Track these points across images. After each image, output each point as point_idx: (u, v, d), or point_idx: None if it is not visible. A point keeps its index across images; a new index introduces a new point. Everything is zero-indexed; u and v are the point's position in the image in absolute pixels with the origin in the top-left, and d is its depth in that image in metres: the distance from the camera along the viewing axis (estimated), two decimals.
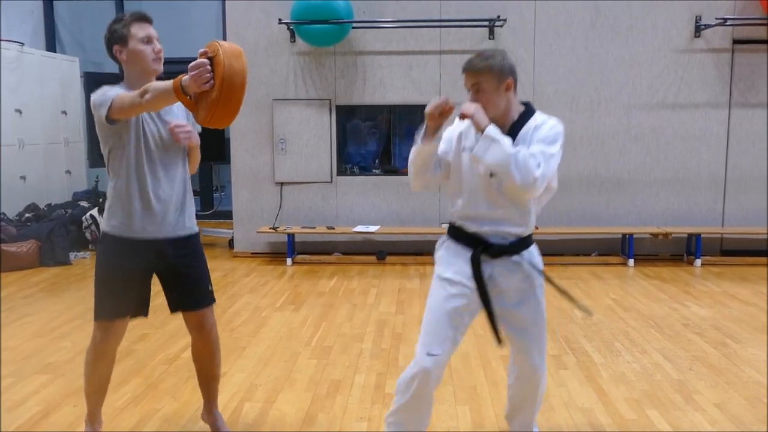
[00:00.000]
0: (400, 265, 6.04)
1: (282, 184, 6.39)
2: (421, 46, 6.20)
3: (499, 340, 2.34)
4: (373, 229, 6.13)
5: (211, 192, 9.08)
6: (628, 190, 6.26)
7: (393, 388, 3.17)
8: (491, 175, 2.24)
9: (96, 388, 2.59)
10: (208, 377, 2.68)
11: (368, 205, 6.37)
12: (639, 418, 2.89)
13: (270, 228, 6.20)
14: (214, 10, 8.65)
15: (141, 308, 2.54)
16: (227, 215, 7.68)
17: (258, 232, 6.24)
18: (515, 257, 2.33)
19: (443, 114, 2.25)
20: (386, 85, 6.21)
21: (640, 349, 3.77)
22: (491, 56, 2.24)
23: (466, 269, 2.30)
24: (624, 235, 6.15)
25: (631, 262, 5.98)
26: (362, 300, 4.85)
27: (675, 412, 2.94)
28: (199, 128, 2.59)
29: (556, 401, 3.06)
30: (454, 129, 2.41)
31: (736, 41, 6.05)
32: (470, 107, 2.21)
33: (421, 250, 6.28)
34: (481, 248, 2.30)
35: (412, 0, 6.12)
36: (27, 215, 6.54)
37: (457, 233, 2.38)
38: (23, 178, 6.88)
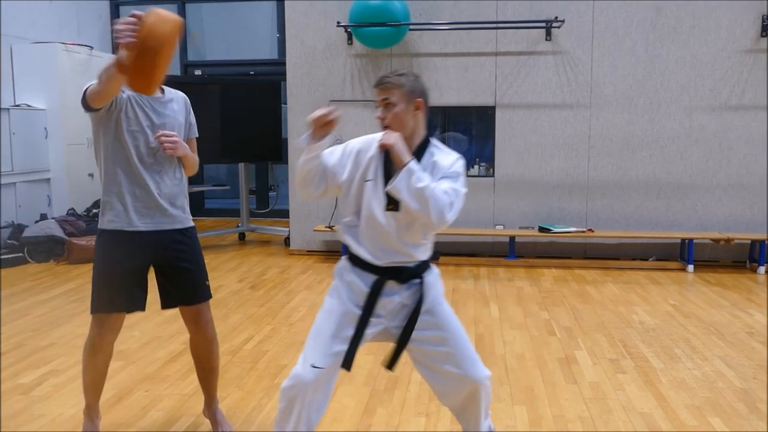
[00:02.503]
0: (454, 265, 6.06)
1: None
2: (477, 48, 6.21)
3: (391, 364, 2.31)
4: None
5: (266, 191, 9.28)
6: (689, 194, 6.12)
7: None
8: (388, 208, 2.17)
9: (92, 383, 2.60)
10: (206, 371, 2.71)
11: None
12: (700, 424, 2.85)
13: (326, 227, 6.32)
14: (273, 12, 8.85)
15: (137, 302, 2.57)
16: (282, 214, 7.84)
17: (314, 230, 6.37)
18: (417, 280, 2.24)
19: (327, 125, 2.13)
20: (442, 86, 6.24)
21: (700, 355, 3.70)
22: (404, 74, 2.20)
23: (362, 295, 2.23)
24: (683, 240, 6.01)
25: (691, 267, 5.84)
26: None
27: (738, 420, 2.89)
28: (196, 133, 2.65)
29: (615, 404, 3.05)
30: (355, 147, 2.28)
31: None
32: (390, 137, 2.10)
33: (474, 251, 6.29)
34: (385, 278, 2.20)
35: (469, 1, 6.14)
36: (94, 210, 6.86)
37: (356, 259, 2.27)
38: (90, 175, 7.21)
